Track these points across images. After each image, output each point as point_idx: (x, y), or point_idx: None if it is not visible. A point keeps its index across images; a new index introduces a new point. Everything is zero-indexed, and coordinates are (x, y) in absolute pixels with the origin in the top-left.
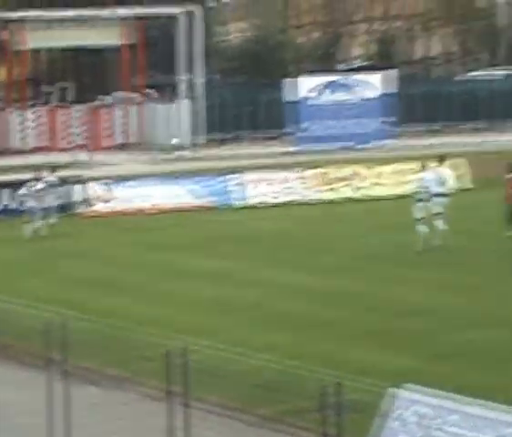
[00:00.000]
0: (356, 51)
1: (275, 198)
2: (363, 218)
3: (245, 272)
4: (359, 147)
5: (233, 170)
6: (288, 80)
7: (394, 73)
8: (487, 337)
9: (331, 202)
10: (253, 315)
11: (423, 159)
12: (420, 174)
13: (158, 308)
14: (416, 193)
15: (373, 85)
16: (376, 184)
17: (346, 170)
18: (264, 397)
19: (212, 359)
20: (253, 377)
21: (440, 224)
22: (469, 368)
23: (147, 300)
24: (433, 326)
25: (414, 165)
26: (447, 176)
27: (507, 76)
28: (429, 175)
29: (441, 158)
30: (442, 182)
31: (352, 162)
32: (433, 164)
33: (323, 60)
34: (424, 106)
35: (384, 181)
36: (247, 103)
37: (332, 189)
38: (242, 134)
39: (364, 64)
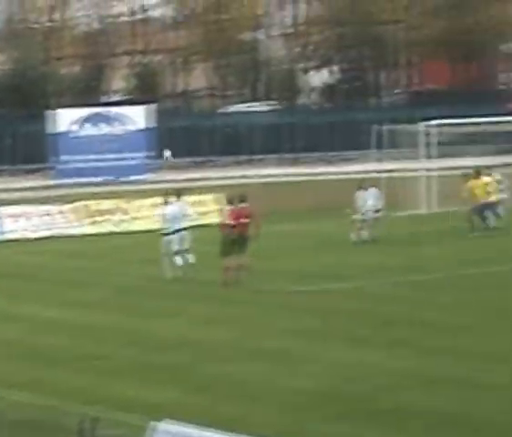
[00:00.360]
0: (118, 84)
1: (35, 232)
2: (124, 252)
3: (4, 308)
4: (120, 180)
5: None
6: (49, 112)
7: (153, 107)
8: (244, 369)
9: (93, 236)
10: (12, 351)
11: (166, 194)
12: (163, 208)
13: None
14: (162, 229)
15: (134, 118)
16: (136, 218)
17: (108, 204)
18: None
19: None
20: (12, 414)
21: (190, 257)
22: (225, 400)
23: None
24: (192, 358)
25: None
26: (187, 209)
27: (270, 110)
28: (171, 209)
29: (178, 193)
30: (183, 216)
31: (113, 196)
32: (173, 198)
33: (86, 92)
34: (187, 139)
35: (144, 214)
36: (6, 135)
37: (93, 223)
38: (1, 167)
39: (125, 98)
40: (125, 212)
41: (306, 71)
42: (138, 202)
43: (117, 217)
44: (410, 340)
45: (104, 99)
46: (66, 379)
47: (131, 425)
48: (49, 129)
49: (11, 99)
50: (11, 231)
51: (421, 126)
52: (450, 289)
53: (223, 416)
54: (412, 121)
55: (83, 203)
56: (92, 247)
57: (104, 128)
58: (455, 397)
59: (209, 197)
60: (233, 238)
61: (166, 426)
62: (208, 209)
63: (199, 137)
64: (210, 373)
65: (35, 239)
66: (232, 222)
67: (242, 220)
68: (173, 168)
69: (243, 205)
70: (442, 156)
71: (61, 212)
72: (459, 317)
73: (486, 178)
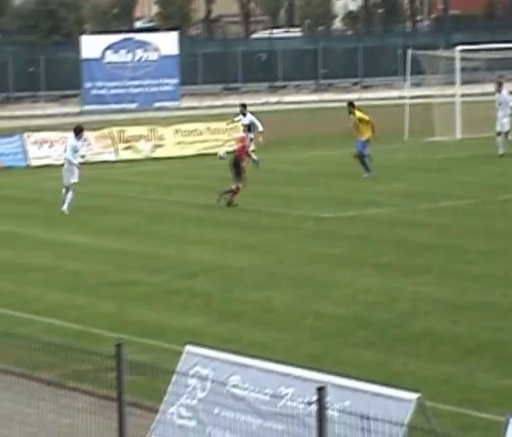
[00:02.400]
0: (146, 11)
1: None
2: (157, 178)
3: (34, 234)
4: (154, 106)
5: (21, 130)
6: (83, 38)
7: (176, 34)
8: (272, 296)
9: (125, 162)
10: (40, 277)
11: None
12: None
13: None
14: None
15: (167, 45)
16: (159, 146)
17: (141, 130)
18: (48, 361)
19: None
20: (45, 338)
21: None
22: (253, 326)
23: None
24: (220, 285)
25: (198, 126)
26: None
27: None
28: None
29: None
30: None
31: (146, 122)
32: None
33: (119, 18)
34: (219, 65)
35: (178, 140)
36: (41, 62)
37: (126, 149)
38: (36, 93)
39: (151, 25)
40: (159, 138)
41: None
42: (171, 128)
43: (150, 143)
44: (436, 266)
45: (137, 25)
46: (94, 304)
47: (163, 349)
48: (83, 55)
49: (45, 26)
50: (38, 158)
51: (455, 51)
52: (478, 214)
53: (251, 342)
54: (436, 47)
55: (116, 129)
56: (124, 173)
57: (138, 54)
58: (482, 323)
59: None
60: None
61: (195, 350)
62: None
63: (232, 64)
64: (239, 299)
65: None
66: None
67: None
68: (207, 95)
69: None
70: (469, 82)
71: (94, 138)
72: (487, 243)
73: None
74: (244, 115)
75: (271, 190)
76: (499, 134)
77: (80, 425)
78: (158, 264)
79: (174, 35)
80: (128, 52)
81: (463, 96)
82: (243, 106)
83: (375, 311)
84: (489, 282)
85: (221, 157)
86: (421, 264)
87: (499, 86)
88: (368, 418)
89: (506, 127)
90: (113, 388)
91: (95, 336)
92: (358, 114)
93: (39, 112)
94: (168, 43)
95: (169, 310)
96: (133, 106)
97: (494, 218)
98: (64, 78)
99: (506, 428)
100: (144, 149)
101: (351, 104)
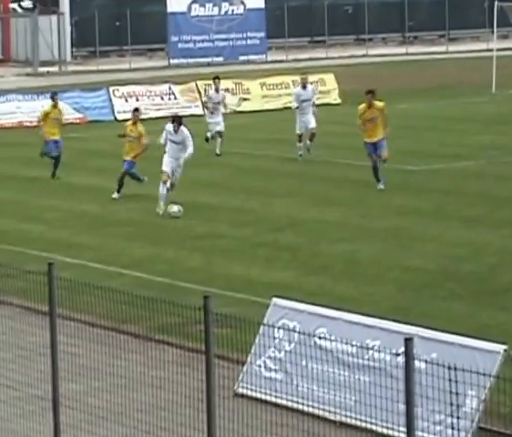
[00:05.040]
0: None
1: (154, 111)
2: (244, 131)
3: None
4: (240, 59)
5: (107, 84)
6: None
7: None
8: (358, 249)
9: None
10: (134, 231)
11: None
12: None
13: (31, 224)
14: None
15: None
16: (245, 99)
17: (228, 83)
18: (136, 314)
19: (83, 275)
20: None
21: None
22: (340, 279)
23: (21, 218)
24: (307, 239)
25: (284, 79)
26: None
27: None
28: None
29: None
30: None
31: (234, 75)
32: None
33: None
34: (304, 19)
35: (265, 94)
36: (127, 16)
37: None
38: (123, 47)
39: None
40: (245, 91)
41: None
42: (257, 81)
43: (236, 96)
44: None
45: None
46: (181, 258)
47: (250, 303)
48: (169, 9)
49: None
50: (124, 111)
51: None
52: None
53: (338, 295)
54: None
55: (202, 82)
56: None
57: (224, 8)
58: None
59: (329, 76)
60: None
61: (282, 303)
62: (328, 88)
63: (318, 16)
64: (325, 253)
65: (152, 119)
66: None
67: None
68: (293, 48)
69: None
70: None
71: (180, 92)
72: None
73: None
74: (217, 90)
75: (356, 143)
76: None
77: (168, 377)
78: (245, 218)
79: None
80: (215, 5)
81: None
82: (217, 78)
83: (462, 264)
84: None
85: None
86: (508, 217)
87: None
88: (455, 369)
89: None
90: (201, 340)
91: (182, 289)
92: (379, 104)
93: (126, 66)
94: None
95: (256, 264)
96: (219, 59)
97: None
98: (150, 32)
99: None
100: (230, 103)
101: (372, 92)
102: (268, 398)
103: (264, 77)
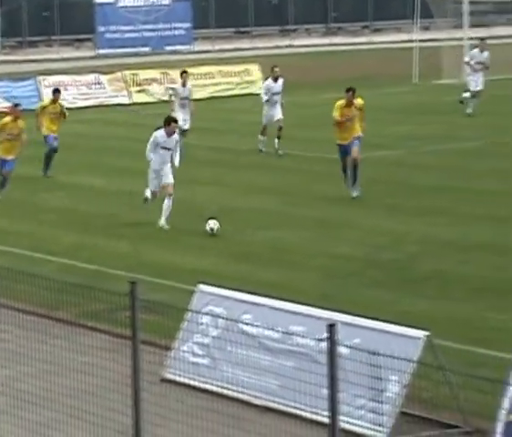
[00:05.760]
0: None
1: (82, 100)
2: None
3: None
4: (167, 49)
5: (35, 74)
6: None
7: None
8: (284, 236)
9: (139, 105)
10: (56, 218)
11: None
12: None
13: None
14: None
15: None
16: (172, 89)
17: (155, 73)
18: (64, 300)
19: (9, 262)
20: (61, 276)
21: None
22: (266, 266)
23: None
24: (232, 226)
25: (210, 69)
26: None
27: None
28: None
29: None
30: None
31: (160, 65)
32: None
33: None
34: (230, 9)
35: (192, 83)
36: (54, 6)
37: (140, 92)
38: (50, 38)
39: None
40: (171, 81)
41: None
42: (173, 73)
43: (163, 86)
44: (444, 207)
45: None
46: (109, 245)
47: (177, 289)
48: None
49: None
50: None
51: None
52: (487, 156)
53: (263, 282)
54: None
55: (129, 72)
56: (137, 116)
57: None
58: (490, 263)
59: (254, 66)
60: None
61: (208, 289)
62: (253, 78)
63: (244, 7)
64: (252, 240)
65: (79, 109)
66: None
67: None
68: (219, 38)
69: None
70: (477, 25)
71: (107, 81)
72: (494, 184)
73: None
74: (184, 84)
75: (283, 132)
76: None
77: (96, 362)
78: (172, 206)
79: None
80: None
81: (471, 39)
82: (185, 72)
83: (385, 252)
84: (497, 223)
85: None
86: (429, 206)
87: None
88: (378, 354)
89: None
90: (128, 326)
91: (110, 276)
92: (360, 102)
93: (54, 56)
94: None
95: (183, 251)
96: (146, 49)
97: (502, 160)
98: (78, 22)
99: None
100: (157, 92)
101: (353, 90)
102: (194, 383)
103: (190, 67)
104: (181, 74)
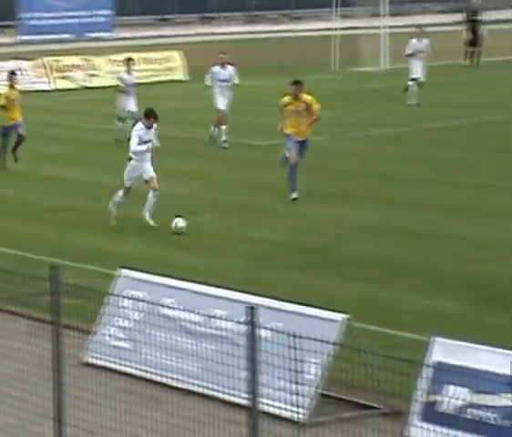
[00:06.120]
0: None
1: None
2: (92, 107)
3: None
4: (87, 36)
5: None
6: None
7: None
8: (206, 222)
9: (60, 91)
10: None
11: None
12: None
13: None
14: None
15: None
16: (104, 73)
17: (76, 59)
18: None
19: None
20: None
21: None
22: (187, 251)
23: None
24: (155, 212)
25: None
26: None
27: None
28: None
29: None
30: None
31: (81, 52)
32: None
33: None
34: None
35: (112, 70)
36: None
37: (62, 78)
38: None
39: None
40: (93, 68)
41: None
42: (105, 58)
43: (85, 72)
44: (366, 192)
45: None
46: (32, 231)
47: (99, 274)
48: None
49: None
50: None
51: None
52: (407, 143)
53: (185, 266)
54: None
55: (51, 58)
56: (60, 102)
57: None
58: (408, 248)
59: (174, 53)
60: None
61: (130, 273)
62: (174, 65)
63: None
64: (172, 225)
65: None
66: None
67: None
68: (140, 25)
69: None
70: (396, 14)
71: (29, 68)
72: (415, 170)
73: None
74: (129, 72)
75: (201, 118)
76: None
77: (18, 347)
78: (96, 191)
79: None
80: None
81: (390, 27)
82: (130, 60)
83: (306, 236)
84: (416, 208)
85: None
86: (350, 191)
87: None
88: (299, 336)
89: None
90: (50, 311)
91: (32, 261)
92: (307, 97)
93: None
94: None
95: (106, 236)
96: (68, 36)
97: (422, 146)
98: (0, 8)
99: (428, 347)
100: (79, 79)
101: (299, 82)
102: (115, 366)
103: (113, 54)
104: (126, 61)
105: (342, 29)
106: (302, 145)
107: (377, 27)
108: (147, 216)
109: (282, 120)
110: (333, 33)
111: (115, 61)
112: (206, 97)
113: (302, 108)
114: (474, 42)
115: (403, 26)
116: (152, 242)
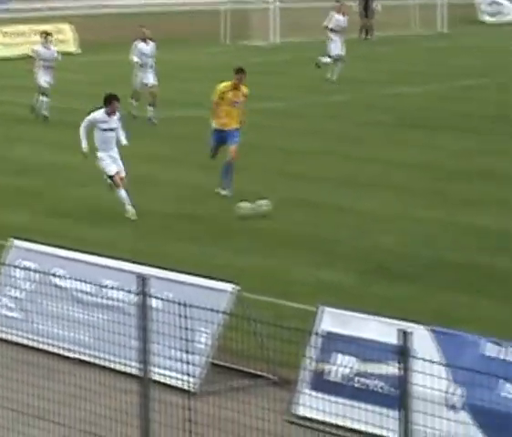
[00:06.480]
0: None
1: None
2: None
3: None
4: None
5: None
6: None
7: None
8: (99, 194)
9: None
10: None
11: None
12: None
13: None
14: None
15: None
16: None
17: None
18: None
19: None
20: None
21: None
22: (81, 222)
23: None
24: (47, 182)
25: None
26: None
27: None
28: None
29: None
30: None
31: None
32: None
33: None
34: None
35: (13, 41)
36: None
37: None
38: None
39: None
40: None
41: None
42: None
43: None
44: (256, 165)
45: None
46: None
47: None
48: None
49: None
50: None
51: None
52: (298, 116)
53: (77, 237)
54: None
55: None
56: None
57: None
58: (298, 219)
59: (66, 26)
60: None
61: (21, 244)
62: (65, 38)
63: None
64: (66, 197)
65: None
66: None
67: None
68: None
69: None
70: None
71: None
72: (306, 143)
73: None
74: (46, 46)
75: (92, 90)
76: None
77: None
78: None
79: None
80: None
81: (280, 1)
82: (47, 34)
83: (197, 207)
84: (305, 180)
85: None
86: (240, 163)
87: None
88: (189, 306)
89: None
90: None
91: None
92: (245, 89)
93: None
94: None
95: None
96: None
97: (313, 120)
98: None
99: (316, 316)
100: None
101: (244, 71)
102: (7, 336)
103: (6, 26)
104: (42, 35)
105: (232, 2)
106: (226, 135)
107: (267, 2)
108: (131, 210)
109: (214, 110)
110: (223, 7)
111: (6, 33)
112: (97, 71)
113: (240, 100)
114: (366, 15)
115: (293, 1)
116: (44, 213)
